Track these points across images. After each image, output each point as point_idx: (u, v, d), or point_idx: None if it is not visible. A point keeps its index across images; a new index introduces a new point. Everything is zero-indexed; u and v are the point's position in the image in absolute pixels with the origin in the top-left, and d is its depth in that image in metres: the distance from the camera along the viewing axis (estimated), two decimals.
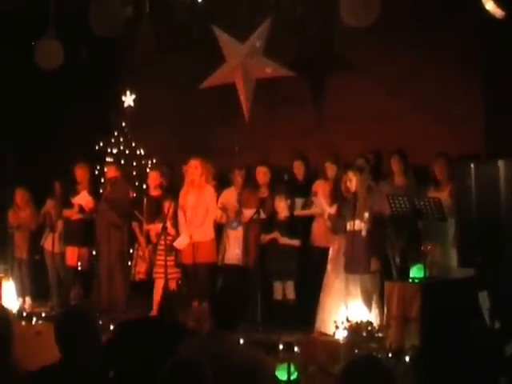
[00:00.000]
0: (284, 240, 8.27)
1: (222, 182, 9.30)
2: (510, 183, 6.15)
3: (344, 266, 7.38)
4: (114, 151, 10.34)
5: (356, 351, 6.45)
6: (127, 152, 10.36)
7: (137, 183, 10.02)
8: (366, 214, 7.27)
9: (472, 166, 6.33)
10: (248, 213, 8.39)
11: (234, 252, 8.65)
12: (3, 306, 4.69)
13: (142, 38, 9.40)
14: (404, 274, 6.65)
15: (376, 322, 6.96)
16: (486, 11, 5.71)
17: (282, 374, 6.42)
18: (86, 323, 3.48)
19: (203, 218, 8.57)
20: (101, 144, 10.41)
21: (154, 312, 8.57)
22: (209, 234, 8.59)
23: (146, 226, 9.09)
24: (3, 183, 10.65)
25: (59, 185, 9.97)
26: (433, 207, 6.79)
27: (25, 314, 9.13)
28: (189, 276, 8.68)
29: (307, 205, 8.51)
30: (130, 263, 9.27)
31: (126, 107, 10.70)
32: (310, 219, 8.48)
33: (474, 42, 8.21)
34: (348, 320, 6.97)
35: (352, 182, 7.42)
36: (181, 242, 8.49)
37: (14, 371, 3.62)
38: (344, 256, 7.44)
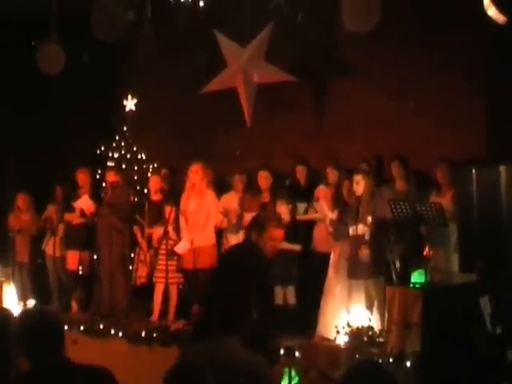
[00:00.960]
0: (285, 245, 8.26)
1: (222, 187, 9.32)
2: (511, 188, 6.15)
3: (348, 272, 7.37)
4: (116, 155, 10.34)
5: (357, 356, 6.45)
6: (128, 156, 10.36)
7: (138, 187, 10.01)
8: (369, 218, 7.27)
9: (473, 171, 6.32)
10: (249, 217, 8.37)
11: None
12: (4, 308, 4.68)
13: (143, 43, 9.43)
14: (405, 279, 6.63)
15: (377, 327, 6.95)
16: (488, 17, 5.71)
17: (283, 379, 6.42)
18: (47, 323, 3.46)
19: (204, 223, 8.56)
20: (102, 148, 10.42)
21: (155, 317, 8.59)
22: (210, 239, 8.58)
23: (147, 230, 9.08)
24: (4, 187, 10.66)
25: (60, 189, 9.98)
26: (434, 212, 6.79)
27: None
28: (190, 281, 8.68)
29: (308, 209, 8.52)
30: (131, 267, 9.26)
31: (128, 111, 10.69)
32: (311, 224, 8.48)
33: (476, 46, 8.22)
34: (349, 325, 6.96)
35: (359, 184, 7.39)
36: (182, 247, 8.48)
37: (14, 372, 3.62)
38: (347, 261, 7.43)
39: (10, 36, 10.39)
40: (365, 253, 7.17)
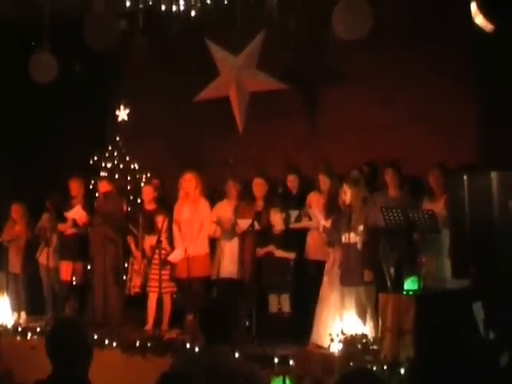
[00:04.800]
0: (279, 253, 8.27)
1: (216, 195, 9.32)
2: (502, 194, 6.16)
3: (339, 278, 7.38)
4: (109, 165, 10.33)
5: (351, 364, 6.44)
6: (121, 166, 10.36)
7: (131, 197, 10.01)
8: (361, 227, 7.27)
9: (465, 177, 6.34)
10: (243, 223, 8.39)
11: (229, 266, 8.63)
12: None
13: (136, 52, 9.47)
14: (398, 285, 6.64)
15: (371, 334, 6.95)
16: (476, 25, 5.75)
17: None
18: (76, 336, 3.48)
19: (198, 231, 8.56)
20: (95, 158, 10.41)
21: (149, 327, 8.56)
22: (203, 247, 8.58)
23: (142, 239, 9.06)
24: None
25: (53, 199, 9.96)
26: (426, 219, 6.80)
27: (20, 329, 9.08)
28: (183, 290, 8.67)
29: (301, 216, 8.52)
30: (125, 277, 9.24)
31: (120, 121, 10.70)
32: (304, 232, 8.47)
33: (467, 53, 8.26)
34: (343, 333, 6.95)
35: (347, 194, 7.41)
36: (175, 256, 8.48)
37: None
38: (339, 268, 7.44)
39: (2, 44, 10.39)
40: (368, 274, 7.17)
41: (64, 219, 9.56)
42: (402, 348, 6.36)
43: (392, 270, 6.79)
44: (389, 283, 6.81)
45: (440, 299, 6.49)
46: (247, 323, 7.85)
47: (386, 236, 7.25)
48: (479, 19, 5.61)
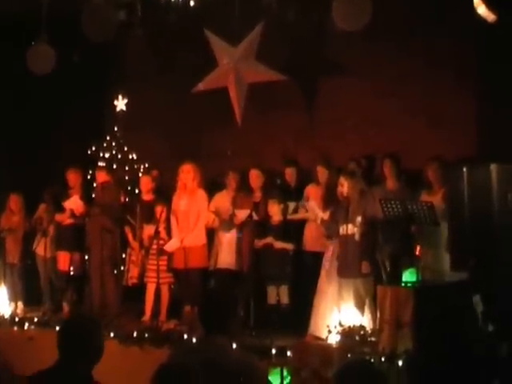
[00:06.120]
0: (278, 244, 8.26)
1: (214, 186, 9.30)
2: (502, 187, 6.14)
3: (337, 270, 7.38)
4: (107, 155, 10.30)
5: (349, 355, 6.44)
6: (119, 156, 10.32)
7: (129, 188, 9.99)
8: (359, 219, 7.27)
9: (464, 169, 6.32)
10: (241, 214, 8.38)
11: (227, 256, 8.62)
12: None
13: (134, 43, 9.42)
14: (396, 278, 6.64)
15: (369, 326, 6.96)
16: (478, 15, 5.72)
17: (274, 379, 6.41)
18: (91, 335, 3.47)
19: (194, 222, 8.55)
20: (93, 148, 10.38)
21: (146, 318, 8.56)
22: (200, 238, 8.58)
23: (139, 231, 9.05)
24: None
25: (51, 189, 9.94)
26: (425, 211, 6.79)
27: (17, 320, 9.08)
28: (180, 281, 8.67)
29: (298, 208, 8.52)
30: (122, 268, 9.23)
31: (118, 111, 10.66)
32: (302, 224, 8.46)
33: (467, 45, 8.23)
34: (341, 324, 6.96)
35: (343, 186, 7.43)
36: (171, 245, 8.48)
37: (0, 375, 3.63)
38: (337, 260, 7.45)
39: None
40: (365, 266, 7.16)
41: (61, 209, 9.54)
42: (400, 340, 6.37)
43: (387, 263, 6.79)
44: (384, 275, 6.81)
45: (439, 291, 6.47)
46: (241, 313, 7.85)
47: (381, 228, 7.25)
48: (481, 9, 5.58)
